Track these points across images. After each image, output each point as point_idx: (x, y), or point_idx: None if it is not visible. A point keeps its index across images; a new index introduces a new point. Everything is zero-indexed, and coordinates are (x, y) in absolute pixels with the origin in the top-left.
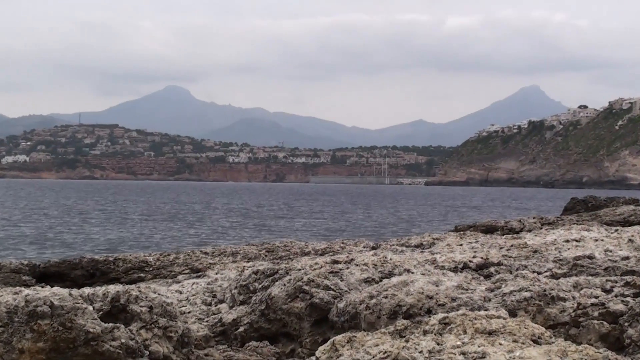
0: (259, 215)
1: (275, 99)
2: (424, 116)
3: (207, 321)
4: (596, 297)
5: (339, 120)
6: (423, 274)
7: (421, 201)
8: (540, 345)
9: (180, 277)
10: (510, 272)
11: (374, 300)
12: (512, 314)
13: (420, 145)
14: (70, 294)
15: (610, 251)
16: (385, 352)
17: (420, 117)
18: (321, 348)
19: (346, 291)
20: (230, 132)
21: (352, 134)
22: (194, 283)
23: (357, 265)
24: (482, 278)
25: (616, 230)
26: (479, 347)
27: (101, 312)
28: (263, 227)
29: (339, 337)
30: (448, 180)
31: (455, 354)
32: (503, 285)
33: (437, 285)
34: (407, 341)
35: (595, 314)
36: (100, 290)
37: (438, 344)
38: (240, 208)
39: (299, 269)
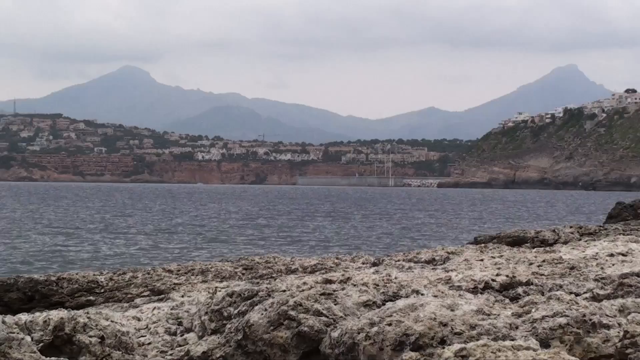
0: (234, 224)
1: (254, 82)
2: (435, 103)
3: (171, 354)
4: None
5: (331, 108)
6: (435, 296)
7: (433, 206)
8: None
9: (138, 300)
10: (542, 294)
11: (375, 329)
12: (545, 344)
13: (431, 138)
14: (4, 322)
15: None
16: None
17: (431, 104)
18: None
19: (341, 317)
20: (199, 123)
21: (348, 125)
22: (155, 308)
23: (354, 285)
24: (507, 301)
25: None
26: None
27: (41, 344)
28: (240, 238)
29: None
30: (466, 182)
31: None
32: (533, 310)
33: (452, 310)
34: None
35: None
36: (40, 317)
37: None
38: (211, 214)
39: (284, 290)
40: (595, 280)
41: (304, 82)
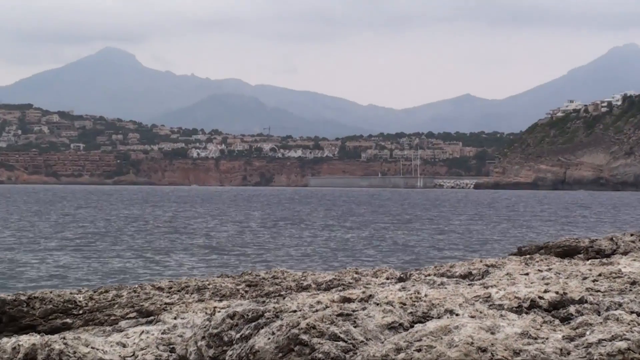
0: (237, 232)
1: (258, 66)
2: (471, 90)
3: None
4: None
5: (349, 97)
6: (472, 317)
7: (469, 211)
8: None
9: (123, 323)
10: (598, 313)
11: (402, 355)
12: None
13: (466, 131)
14: None
15: None
16: None
17: (466, 91)
18: None
19: (362, 342)
20: (193, 115)
21: (369, 116)
22: (143, 332)
23: (377, 304)
24: (557, 322)
25: None
26: None
27: None
28: (243, 249)
29: None
30: (508, 182)
31: None
32: (588, 332)
33: (492, 333)
34: None
35: None
36: (8, 343)
37: None
38: (207, 219)
39: (294, 311)
40: None
41: (316, 66)
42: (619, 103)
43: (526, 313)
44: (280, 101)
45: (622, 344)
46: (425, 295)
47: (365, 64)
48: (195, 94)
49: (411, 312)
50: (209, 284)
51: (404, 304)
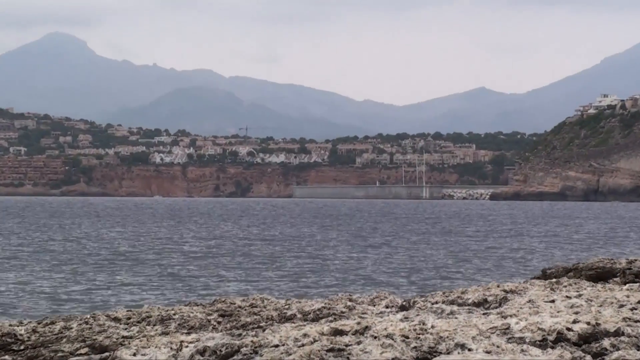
0: (206, 251)
1: (233, 55)
2: (487, 82)
3: None
4: None
5: (341, 91)
6: (488, 352)
7: (483, 226)
8: None
9: None
10: (638, 348)
11: None
12: None
13: (481, 131)
14: None
15: None
16: None
17: (481, 84)
18: None
19: None
20: (156, 112)
21: (365, 114)
22: None
23: (375, 337)
24: (588, 358)
25: None
26: None
27: None
28: (216, 269)
29: None
30: (530, 191)
31: None
32: None
33: None
34: None
35: None
36: None
37: None
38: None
39: (276, 345)
40: None
41: (302, 54)
42: None
43: (552, 348)
44: (259, 96)
45: None
46: (432, 327)
47: (360, 51)
48: (158, 87)
49: (415, 347)
50: (174, 314)
51: (407, 337)
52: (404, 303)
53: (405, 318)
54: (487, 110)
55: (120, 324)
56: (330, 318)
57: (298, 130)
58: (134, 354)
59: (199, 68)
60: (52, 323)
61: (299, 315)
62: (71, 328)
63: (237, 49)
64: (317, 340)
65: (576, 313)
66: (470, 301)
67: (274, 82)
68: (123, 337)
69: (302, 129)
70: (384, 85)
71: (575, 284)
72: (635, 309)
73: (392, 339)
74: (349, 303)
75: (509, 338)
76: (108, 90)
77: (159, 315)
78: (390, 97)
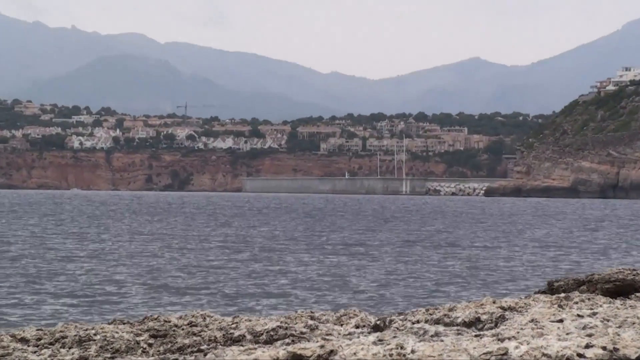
0: (132, 249)
1: (170, 16)
2: (482, 52)
3: None
4: None
5: (302, 61)
6: None
7: (476, 227)
8: None
9: None
10: None
11: None
12: None
13: (475, 111)
14: None
15: None
16: None
17: (474, 54)
18: None
19: None
20: (75, 85)
21: (332, 90)
22: None
23: None
24: None
25: None
26: None
27: None
28: (149, 276)
29: None
30: (534, 186)
31: None
32: None
33: None
34: None
35: None
36: None
37: None
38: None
39: None
40: None
41: (255, 16)
42: None
43: None
44: (202, 66)
45: None
46: (413, 352)
47: (327, 12)
48: (77, 55)
49: None
50: (95, 334)
51: None
52: (378, 322)
53: (380, 340)
54: (482, 86)
55: (29, 346)
56: (287, 340)
57: (249, 109)
58: None
59: (127, 32)
60: None
61: (248, 337)
62: None
63: (175, 9)
64: None
65: (589, 336)
66: (459, 320)
67: (220, 49)
68: None
69: (255, 108)
70: (354, 54)
71: (588, 299)
72: None
73: None
74: (310, 322)
75: None
76: (15, 59)
77: (76, 335)
78: (362, 69)
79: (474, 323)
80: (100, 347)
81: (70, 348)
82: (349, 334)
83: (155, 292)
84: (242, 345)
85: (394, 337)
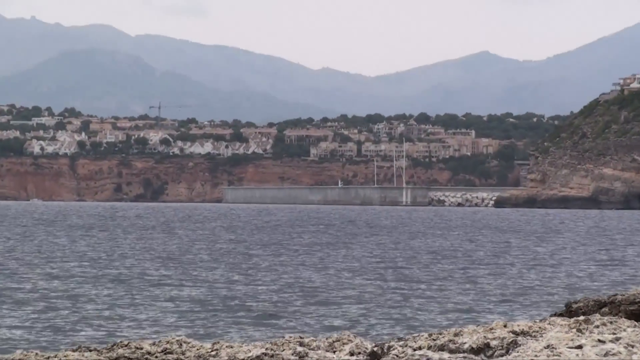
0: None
1: (142, 6)
2: (491, 46)
3: None
4: None
5: (290, 56)
6: None
7: (484, 240)
8: None
9: None
10: None
11: None
12: None
13: (483, 112)
14: None
15: None
16: None
17: (483, 48)
18: None
19: None
20: (36, 84)
21: (324, 88)
22: None
23: None
24: None
25: None
26: None
27: None
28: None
29: None
30: (549, 196)
31: None
32: None
33: None
34: None
35: None
36: None
37: None
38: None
39: None
40: None
41: (237, 6)
42: None
43: None
44: (177, 62)
45: None
46: None
47: (317, 1)
48: (38, 49)
49: None
50: None
51: None
52: (376, 349)
53: None
54: (491, 84)
55: None
56: None
57: (231, 109)
58: None
59: (93, 23)
60: None
61: None
62: None
63: None
64: None
65: None
66: (466, 346)
67: (198, 42)
68: None
69: (237, 108)
70: (348, 48)
71: (611, 323)
72: None
73: None
74: (299, 348)
75: None
76: None
77: None
78: (357, 65)
79: (482, 350)
80: None
81: None
82: None
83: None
84: None
85: None
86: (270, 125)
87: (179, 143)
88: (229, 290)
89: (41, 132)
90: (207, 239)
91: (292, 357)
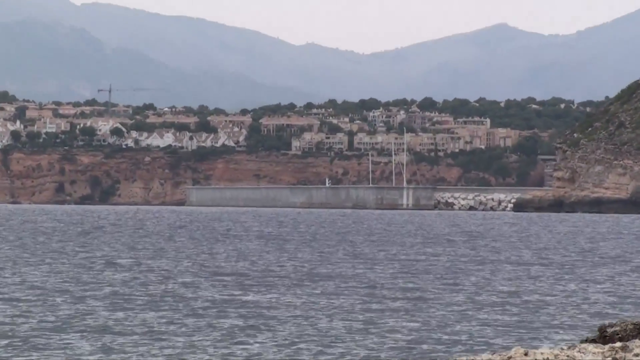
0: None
1: None
2: (510, 18)
3: None
4: None
5: (269, 29)
6: None
7: (500, 252)
8: None
9: None
10: None
11: None
12: None
13: (500, 97)
14: None
15: None
16: None
17: (500, 20)
18: None
19: None
20: None
21: (309, 67)
22: None
23: None
24: None
25: None
26: None
27: None
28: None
29: None
30: (580, 198)
31: None
32: None
33: None
34: None
35: None
36: None
37: None
38: None
39: None
40: None
41: None
42: None
43: None
44: (131, 36)
45: None
46: None
47: None
48: None
49: None
50: None
51: None
52: None
53: None
54: (510, 63)
55: None
56: None
57: (196, 93)
58: None
59: None
60: None
61: None
62: None
63: None
64: None
65: None
66: None
67: (157, 13)
68: None
69: (204, 92)
70: (337, 21)
71: None
72: None
73: None
74: None
75: None
76: None
77: None
78: (349, 40)
79: None
80: None
81: None
82: None
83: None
84: None
85: None
86: (244, 112)
87: (134, 134)
88: None
89: None
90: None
91: None
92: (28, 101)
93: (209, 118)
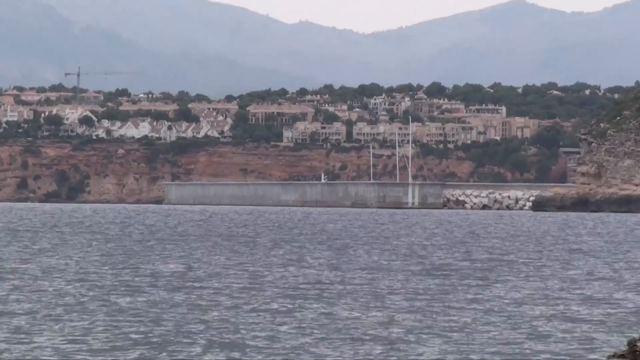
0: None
1: None
2: None
3: None
4: None
5: (256, 6)
6: None
7: (517, 260)
8: None
9: None
10: None
11: None
12: None
13: (517, 82)
14: None
15: None
16: None
17: None
18: None
19: None
20: None
21: (302, 48)
22: None
23: None
24: None
25: None
26: None
27: None
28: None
29: None
30: (607, 195)
31: None
32: None
33: None
34: None
35: None
36: None
37: None
38: None
39: None
40: None
41: None
42: None
43: None
44: (104, 14)
45: None
46: None
47: None
48: None
49: None
50: None
51: None
52: None
53: None
54: (528, 44)
55: None
56: None
57: (175, 78)
58: None
59: None
60: None
61: None
62: None
63: None
64: None
65: None
66: None
67: None
68: None
69: (184, 77)
70: None
71: None
72: None
73: None
74: None
75: None
76: None
77: None
78: (347, 19)
79: None
80: None
81: None
82: None
83: None
84: None
85: None
86: (229, 99)
87: (105, 123)
88: None
89: None
90: None
91: None
92: None
93: (189, 105)
